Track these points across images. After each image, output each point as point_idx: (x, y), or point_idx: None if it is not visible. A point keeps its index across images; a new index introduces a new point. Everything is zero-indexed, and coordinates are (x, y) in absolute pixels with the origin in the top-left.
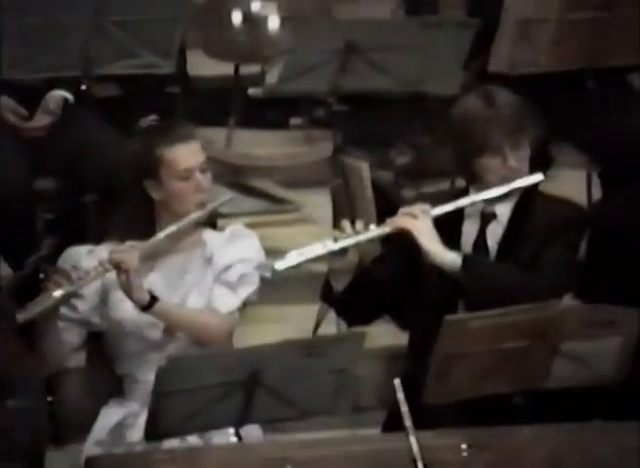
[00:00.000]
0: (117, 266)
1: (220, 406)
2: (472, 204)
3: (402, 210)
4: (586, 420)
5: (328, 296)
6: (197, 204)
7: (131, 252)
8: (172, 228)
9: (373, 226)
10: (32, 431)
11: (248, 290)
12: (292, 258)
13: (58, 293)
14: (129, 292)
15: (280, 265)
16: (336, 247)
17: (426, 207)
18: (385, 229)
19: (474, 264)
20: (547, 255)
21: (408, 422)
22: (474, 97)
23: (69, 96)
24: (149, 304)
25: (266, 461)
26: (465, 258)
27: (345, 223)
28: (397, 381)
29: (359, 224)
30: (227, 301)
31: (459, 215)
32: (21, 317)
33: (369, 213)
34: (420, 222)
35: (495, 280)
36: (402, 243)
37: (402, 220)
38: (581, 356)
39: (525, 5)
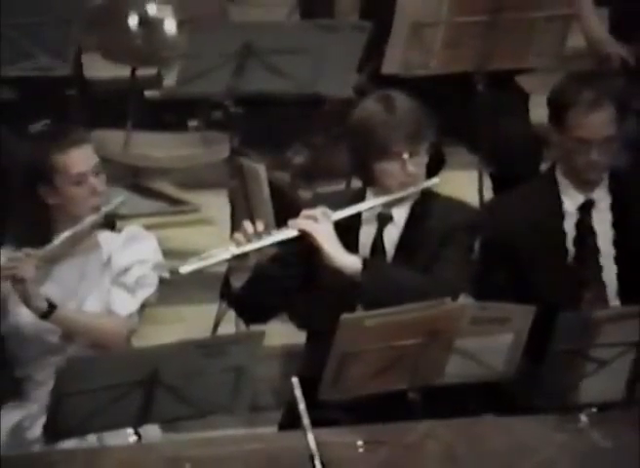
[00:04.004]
0: (13, 277)
1: (119, 405)
2: (372, 208)
3: (303, 213)
4: (478, 415)
5: (226, 294)
6: (92, 207)
7: (27, 261)
8: (67, 234)
9: (274, 230)
10: None
11: (146, 292)
12: (195, 263)
13: None
14: (27, 302)
15: (184, 269)
16: (239, 251)
17: (327, 210)
18: (287, 233)
19: (374, 269)
20: (443, 257)
21: (305, 420)
22: (374, 101)
23: None
24: (48, 312)
25: (166, 460)
26: (365, 263)
27: (247, 225)
28: (295, 379)
29: (260, 226)
30: (126, 304)
31: (357, 218)
32: None
33: (266, 213)
34: (320, 226)
35: (393, 284)
36: (299, 242)
37: (303, 223)
38: (474, 352)
39: (416, 9)
